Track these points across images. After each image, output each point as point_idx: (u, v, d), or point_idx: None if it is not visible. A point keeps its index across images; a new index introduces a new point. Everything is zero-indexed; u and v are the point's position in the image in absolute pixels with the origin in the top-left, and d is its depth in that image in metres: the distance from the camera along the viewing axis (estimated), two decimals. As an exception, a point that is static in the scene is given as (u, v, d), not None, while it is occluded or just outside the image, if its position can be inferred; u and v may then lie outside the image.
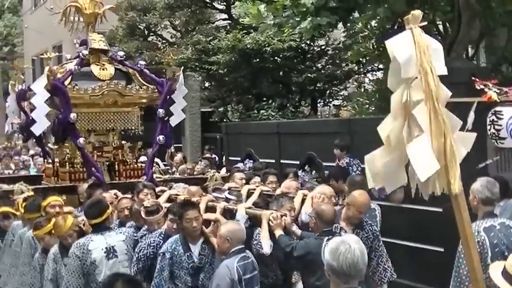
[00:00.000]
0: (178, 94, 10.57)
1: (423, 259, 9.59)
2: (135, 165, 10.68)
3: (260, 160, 15.35)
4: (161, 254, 6.80)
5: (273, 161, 14.71)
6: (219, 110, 20.91)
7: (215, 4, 22.72)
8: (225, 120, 20.40)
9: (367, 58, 17.16)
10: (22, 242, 7.97)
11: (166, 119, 10.42)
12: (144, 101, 10.75)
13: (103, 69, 10.50)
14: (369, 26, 15.62)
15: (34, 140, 11.44)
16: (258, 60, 18.78)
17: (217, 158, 18.60)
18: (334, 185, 9.20)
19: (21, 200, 8.74)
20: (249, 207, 7.56)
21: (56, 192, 9.56)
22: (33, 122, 9.72)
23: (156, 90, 10.50)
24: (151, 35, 24.20)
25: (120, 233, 7.24)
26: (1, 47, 38.98)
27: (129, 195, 8.71)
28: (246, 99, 19.78)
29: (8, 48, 45.12)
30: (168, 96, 10.38)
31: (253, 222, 7.25)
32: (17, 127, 11.36)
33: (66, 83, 9.94)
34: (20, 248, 7.98)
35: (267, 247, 6.78)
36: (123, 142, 10.88)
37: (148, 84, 10.62)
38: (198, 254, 6.78)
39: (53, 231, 7.34)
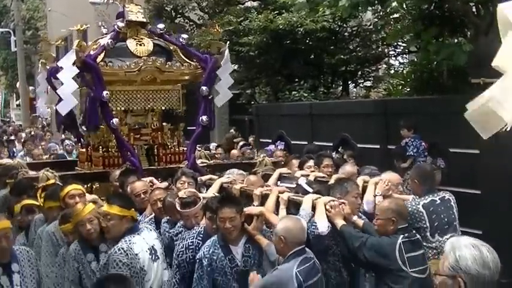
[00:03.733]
0: (224, 71, 9.66)
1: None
2: (177, 149, 9.64)
3: (292, 142, 15.43)
4: (198, 261, 5.80)
5: (306, 142, 14.50)
6: (247, 92, 20.51)
7: (246, -16, 22.27)
8: (252, 102, 20.27)
9: (405, 39, 17.14)
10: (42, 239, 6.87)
11: (210, 97, 9.52)
12: (186, 78, 9.77)
13: (140, 45, 9.47)
14: (404, 6, 15.60)
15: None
16: (289, 41, 18.19)
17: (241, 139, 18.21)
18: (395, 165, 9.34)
19: (40, 188, 7.74)
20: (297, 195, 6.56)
21: (80, 180, 8.42)
22: (60, 100, 8.80)
23: (200, 67, 9.54)
24: (179, 17, 23.44)
25: (151, 230, 6.31)
26: (24, 30, 38.95)
27: (166, 183, 7.85)
28: (276, 81, 19.21)
29: (31, 32, 44.99)
30: (212, 73, 9.50)
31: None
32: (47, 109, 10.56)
33: (99, 59, 9.02)
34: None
35: (323, 226, 5.84)
36: (164, 124, 9.84)
37: (190, 61, 9.64)
38: (242, 256, 5.82)
39: None
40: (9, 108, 58.10)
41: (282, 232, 5.38)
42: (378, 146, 12.44)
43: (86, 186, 8.92)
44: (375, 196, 6.64)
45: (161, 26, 9.90)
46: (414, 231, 5.96)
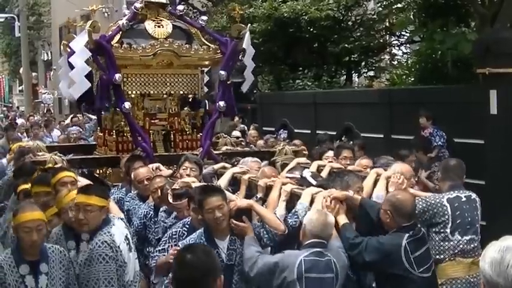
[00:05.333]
0: (248, 56, 9.12)
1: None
2: (195, 136, 9.05)
3: (295, 131, 15.40)
4: None
5: (309, 131, 14.54)
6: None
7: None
8: (254, 91, 20.28)
9: (410, 29, 17.08)
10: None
11: (229, 83, 8.98)
12: (206, 62, 9.23)
13: (159, 27, 8.93)
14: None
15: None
16: (293, 29, 17.93)
17: (246, 128, 18.28)
18: (415, 155, 8.84)
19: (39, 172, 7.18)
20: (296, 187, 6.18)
21: (93, 164, 8.52)
22: (73, 83, 8.39)
23: (219, 51, 8.99)
24: (183, 4, 23.98)
25: (119, 219, 5.67)
26: (28, 16, 38.86)
27: (171, 171, 7.50)
28: (279, 70, 18.97)
29: (35, 18, 44.74)
30: (232, 57, 8.98)
31: None
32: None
33: (114, 41, 8.59)
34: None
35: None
36: (186, 109, 9.37)
37: (210, 44, 9.13)
38: (227, 249, 5.42)
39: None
40: (12, 94, 58.09)
41: (305, 221, 5.24)
42: (382, 135, 12.39)
43: (99, 171, 8.88)
44: (387, 192, 6.08)
45: (181, 7, 9.46)
46: (419, 226, 5.51)
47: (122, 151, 8.72)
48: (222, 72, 8.81)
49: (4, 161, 9.95)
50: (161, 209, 6.52)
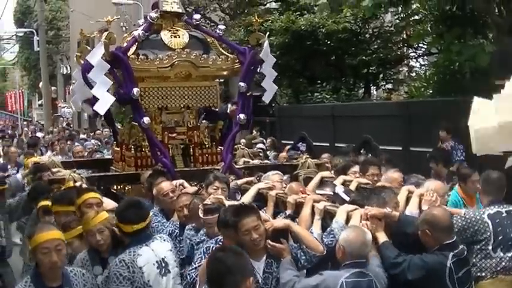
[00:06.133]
0: (267, 65, 8.73)
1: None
2: (214, 149, 8.71)
3: (314, 143, 15.46)
4: None
5: (327, 144, 14.60)
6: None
7: (267, -15, 21.70)
8: (273, 104, 20.37)
9: (427, 41, 17.13)
10: None
11: (248, 94, 8.60)
12: (224, 73, 8.86)
13: (175, 37, 8.63)
14: (426, 6, 15.61)
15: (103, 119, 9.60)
16: (311, 42, 17.98)
17: (264, 141, 18.19)
18: (433, 168, 8.72)
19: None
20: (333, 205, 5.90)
21: (111, 181, 8.07)
22: (96, 99, 7.99)
23: (238, 61, 8.63)
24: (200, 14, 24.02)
25: (164, 240, 5.42)
26: (46, 31, 39.09)
27: (195, 188, 7.16)
28: (297, 83, 18.99)
29: (53, 32, 45.08)
30: (251, 67, 8.56)
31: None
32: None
33: (130, 52, 8.21)
34: None
35: None
36: (203, 122, 9.05)
37: (228, 54, 8.80)
38: (263, 272, 5.15)
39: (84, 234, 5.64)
40: (32, 108, 58.52)
41: (342, 241, 5.00)
42: (400, 148, 12.45)
43: (117, 187, 8.49)
44: (420, 210, 5.88)
45: (197, 16, 9.09)
46: (462, 246, 5.31)
47: (141, 167, 8.43)
48: (242, 84, 8.48)
49: (19, 175, 9.80)
50: (187, 227, 6.23)
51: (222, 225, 5.38)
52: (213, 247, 5.42)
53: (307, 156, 9.21)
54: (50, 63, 43.28)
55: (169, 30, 8.70)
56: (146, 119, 8.04)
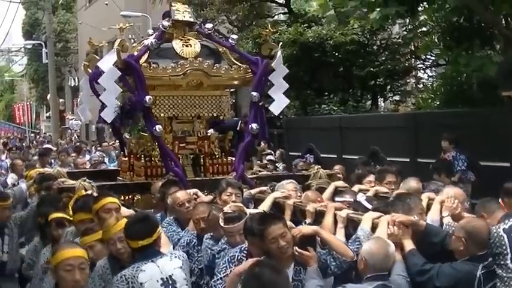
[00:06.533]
0: (277, 75, 8.63)
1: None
2: (225, 159, 8.65)
3: (322, 155, 15.47)
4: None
5: (335, 156, 14.63)
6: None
7: (274, -3, 21.80)
8: (280, 116, 20.38)
9: (434, 52, 17.21)
10: None
11: (261, 104, 8.56)
12: (235, 82, 8.84)
13: (187, 46, 8.55)
14: (433, 18, 15.68)
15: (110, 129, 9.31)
16: (318, 54, 18.01)
17: (272, 153, 18.19)
18: (436, 179, 8.42)
19: (72, 201, 6.93)
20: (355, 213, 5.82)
21: (121, 191, 7.83)
22: (104, 106, 7.95)
23: (250, 71, 8.55)
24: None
25: (176, 257, 5.14)
26: (55, 43, 39.19)
27: (211, 197, 7.04)
28: (305, 94, 18.93)
29: (62, 45, 45.09)
30: (263, 78, 8.49)
31: None
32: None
33: (142, 60, 8.14)
34: None
35: None
36: (211, 131, 8.93)
37: (240, 63, 8.69)
38: (292, 280, 4.92)
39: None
40: (39, 120, 58.74)
41: (365, 253, 4.87)
42: (408, 159, 12.48)
43: (126, 197, 8.22)
44: (441, 218, 5.87)
45: (209, 26, 9.01)
46: (491, 259, 5.25)
47: (151, 176, 8.33)
48: (254, 94, 8.40)
49: (24, 186, 9.65)
50: (206, 236, 6.05)
51: (249, 233, 5.29)
52: (238, 256, 5.34)
53: (319, 166, 9.12)
54: (58, 75, 43.45)
55: (181, 40, 8.64)
56: (159, 127, 7.98)
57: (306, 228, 5.46)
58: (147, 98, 7.90)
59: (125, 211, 6.41)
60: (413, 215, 5.51)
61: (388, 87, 19.76)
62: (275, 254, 4.98)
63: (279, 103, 8.91)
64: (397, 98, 20.99)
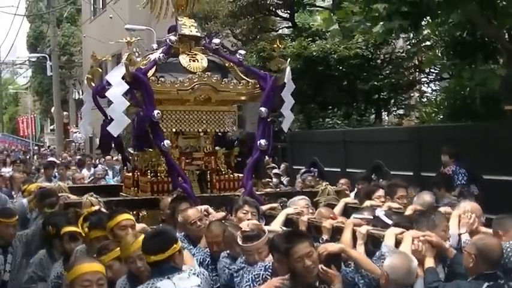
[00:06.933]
0: (287, 91, 8.62)
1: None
2: (231, 175, 8.56)
3: (325, 169, 15.52)
4: None
5: (339, 169, 14.66)
6: (280, 119, 20.82)
7: (279, 12, 22.22)
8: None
9: (438, 66, 17.30)
10: None
11: (269, 120, 8.51)
12: (243, 98, 8.77)
13: (194, 61, 8.50)
14: (437, 33, 15.78)
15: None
16: (323, 68, 18.03)
17: (276, 167, 18.09)
18: (436, 194, 8.24)
19: (81, 217, 6.61)
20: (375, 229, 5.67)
21: (126, 207, 7.27)
22: (110, 120, 7.76)
23: (258, 86, 8.51)
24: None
25: (194, 274, 4.91)
26: (59, 56, 39.33)
27: (223, 214, 6.89)
28: (309, 108, 18.93)
29: (66, 58, 44.97)
30: (272, 93, 8.44)
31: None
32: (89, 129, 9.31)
33: (149, 74, 8.05)
34: None
35: None
36: (217, 148, 8.82)
37: (248, 79, 8.62)
38: None
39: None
40: (44, 133, 58.82)
41: (387, 268, 4.79)
42: (411, 173, 12.51)
43: (131, 213, 7.64)
44: (459, 234, 5.78)
45: (217, 40, 8.95)
46: (501, 281, 5.06)
47: (157, 192, 8.18)
48: (263, 109, 8.28)
49: (25, 200, 9.31)
50: (222, 255, 5.85)
51: (275, 250, 5.11)
52: (262, 275, 5.16)
53: (327, 183, 9.02)
54: (63, 88, 43.46)
55: (188, 54, 8.58)
56: (167, 142, 7.87)
57: (331, 246, 5.31)
58: (156, 112, 7.79)
59: (137, 226, 6.32)
60: (437, 231, 5.43)
61: (392, 101, 19.74)
62: (300, 273, 4.82)
63: (288, 120, 8.94)
64: (401, 111, 20.99)
